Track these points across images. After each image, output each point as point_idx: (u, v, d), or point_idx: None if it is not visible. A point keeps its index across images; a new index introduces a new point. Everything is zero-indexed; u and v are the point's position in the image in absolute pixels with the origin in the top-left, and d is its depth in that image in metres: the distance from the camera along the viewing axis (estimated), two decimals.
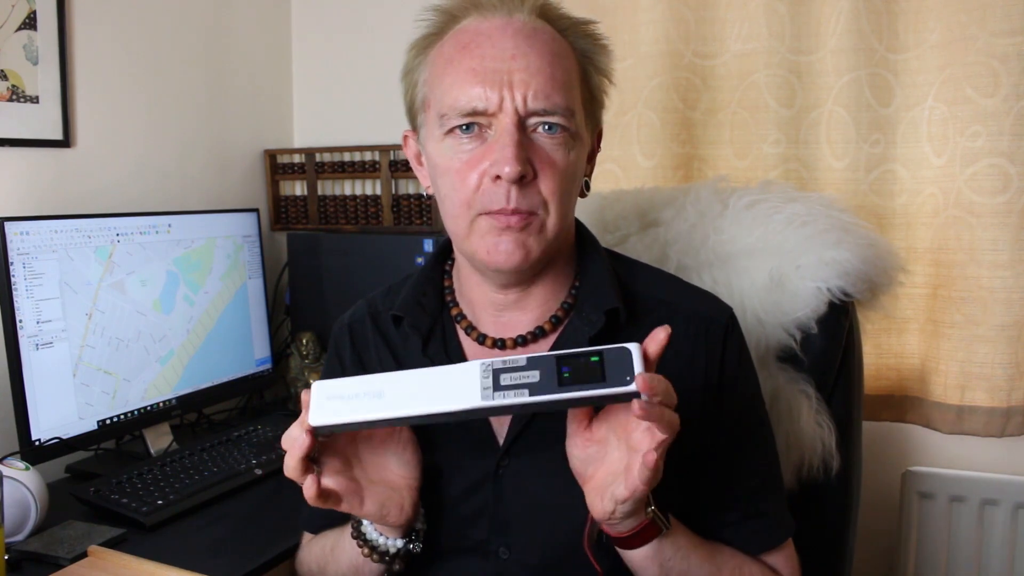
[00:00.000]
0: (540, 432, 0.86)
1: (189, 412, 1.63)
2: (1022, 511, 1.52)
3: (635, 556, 0.80)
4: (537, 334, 0.90)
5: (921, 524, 1.58)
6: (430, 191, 0.91)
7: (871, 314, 1.21)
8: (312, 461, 0.76)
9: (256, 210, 1.76)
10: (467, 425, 0.89)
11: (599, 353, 0.68)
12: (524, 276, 0.88)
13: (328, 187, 2.00)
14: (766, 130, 1.61)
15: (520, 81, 0.80)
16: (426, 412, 0.70)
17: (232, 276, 1.68)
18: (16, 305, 1.27)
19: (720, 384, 0.90)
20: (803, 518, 0.96)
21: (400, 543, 0.86)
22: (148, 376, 1.49)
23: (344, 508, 0.79)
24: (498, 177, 0.80)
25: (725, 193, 1.25)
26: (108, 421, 1.41)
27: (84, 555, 1.03)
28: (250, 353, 1.73)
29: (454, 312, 0.94)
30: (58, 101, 1.52)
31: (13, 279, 1.26)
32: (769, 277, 1.14)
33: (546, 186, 0.82)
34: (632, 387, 0.66)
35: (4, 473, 1.03)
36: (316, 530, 1.02)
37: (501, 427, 0.89)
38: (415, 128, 0.91)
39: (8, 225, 1.26)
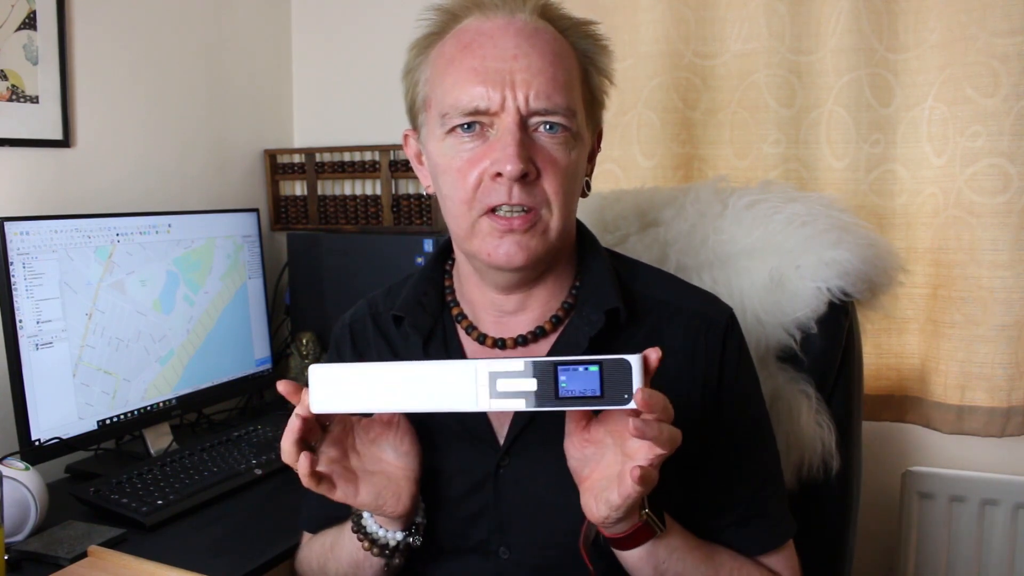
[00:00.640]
0: (541, 431, 0.86)
1: (189, 412, 1.63)
2: (1022, 511, 1.52)
3: (629, 557, 0.80)
4: (537, 334, 0.90)
5: (921, 524, 1.58)
6: (430, 191, 0.91)
7: (871, 314, 1.21)
8: (309, 448, 0.76)
9: (256, 210, 1.76)
10: (467, 424, 0.89)
11: (599, 363, 0.67)
12: (526, 277, 0.88)
13: (328, 187, 2.00)
14: (766, 130, 1.61)
15: (522, 81, 0.80)
16: (421, 409, 0.70)
17: (232, 276, 1.68)
18: (16, 305, 1.27)
19: (720, 384, 0.90)
20: (803, 518, 0.96)
21: (400, 536, 0.86)
22: (148, 376, 1.48)
23: (339, 496, 0.79)
24: (499, 175, 0.80)
25: (725, 193, 1.25)
26: (108, 421, 1.41)
27: (84, 555, 1.03)
28: (250, 353, 1.73)
29: (455, 312, 0.94)
30: (58, 101, 1.52)
31: (13, 279, 1.26)
32: (769, 277, 1.14)
33: (549, 185, 0.82)
34: (630, 405, 0.66)
35: (4, 473, 1.03)
36: (315, 530, 1.02)
37: (501, 426, 0.89)
38: (416, 127, 0.91)
39: (8, 225, 1.26)
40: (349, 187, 1.99)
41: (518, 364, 0.68)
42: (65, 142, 1.54)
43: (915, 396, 1.58)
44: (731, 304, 0.96)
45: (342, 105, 2.03)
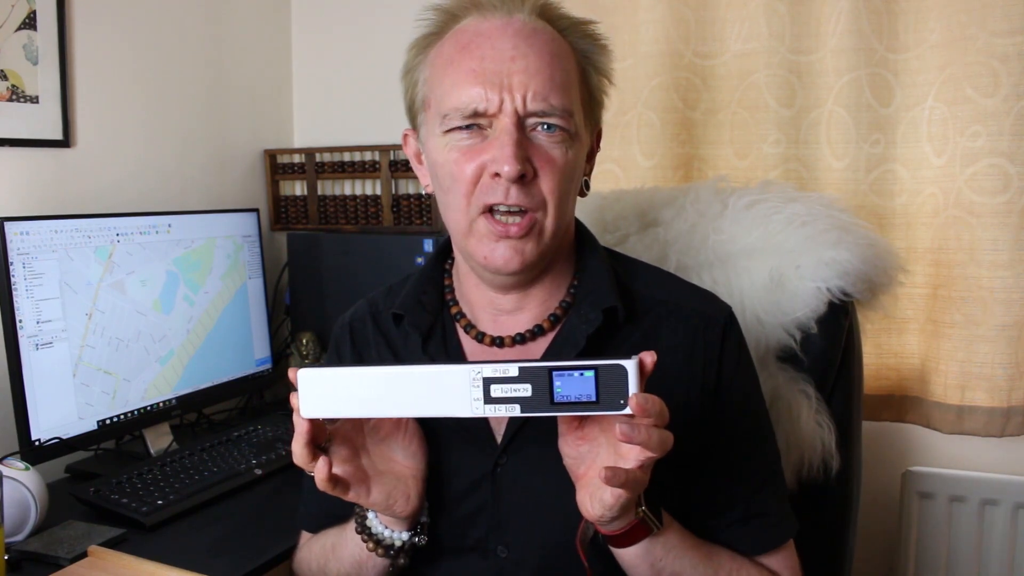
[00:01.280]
0: (538, 430, 0.86)
1: (189, 412, 1.63)
2: (1022, 511, 1.52)
3: (625, 555, 0.80)
4: (536, 332, 0.90)
5: (921, 524, 1.58)
6: (429, 190, 0.92)
7: (871, 314, 1.21)
8: (321, 449, 0.76)
9: (256, 210, 1.76)
10: (464, 423, 0.89)
11: (594, 368, 0.66)
12: (523, 279, 0.88)
13: (328, 187, 2.00)
14: (766, 130, 1.61)
15: (519, 83, 0.80)
16: (413, 414, 0.70)
17: (232, 276, 1.68)
18: (16, 305, 1.27)
19: (718, 382, 0.90)
20: (803, 518, 0.96)
21: (405, 536, 0.86)
22: (148, 376, 1.48)
23: (351, 497, 0.79)
24: (497, 175, 0.80)
25: (725, 193, 1.25)
26: (108, 421, 1.41)
27: (84, 555, 1.03)
28: (250, 353, 1.73)
29: (453, 311, 0.95)
30: (58, 101, 1.52)
31: (13, 279, 1.26)
32: (769, 277, 1.14)
33: (546, 184, 0.82)
34: (626, 410, 0.66)
35: (4, 473, 1.03)
36: (314, 529, 1.02)
37: (499, 425, 0.89)
38: (415, 127, 0.92)
39: (8, 225, 1.26)
40: (349, 187, 1.99)
41: (512, 369, 0.67)
42: (65, 142, 1.54)
43: (915, 396, 1.58)
44: (731, 304, 0.96)
45: (342, 105, 2.03)
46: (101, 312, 1.39)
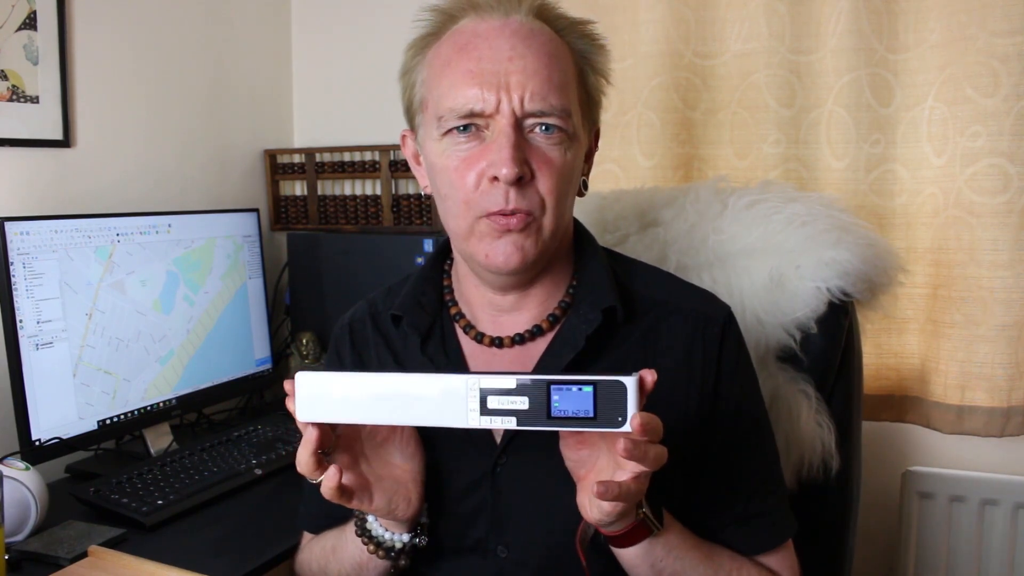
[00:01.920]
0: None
1: (189, 412, 1.63)
2: (1022, 511, 1.52)
3: (625, 555, 0.80)
4: (535, 332, 0.90)
5: (921, 524, 1.58)
6: (428, 191, 0.92)
7: (871, 314, 1.21)
8: (324, 455, 0.75)
9: (256, 210, 1.76)
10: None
11: (593, 384, 0.65)
12: (522, 279, 0.88)
13: (328, 187, 2.00)
14: (766, 130, 1.61)
15: (517, 83, 0.80)
16: (409, 423, 0.69)
17: (232, 276, 1.68)
18: (16, 305, 1.27)
19: (718, 382, 0.90)
20: (803, 518, 0.96)
21: (406, 538, 0.86)
22: (148, 376, 1.49)
23: (355, 505, 0.79)
24: (495, 178, 0.80)
25: (725, 193, 1.25)
26: (108, 421, 1.41)
27: (84, 555, 1.03)
28: (250, 353, 1.73)
29: (453, 311, 0.95)
30: (58, 101, 1.52)
31: (13, 279, 1.26)
32: (769, 277, 1.14)
33: (544, 185, 0.82)
34: (624, 428, 0.65)
35: (4, 473, 1.03)
36: (315, 530, 1.02)
37: None
38: (413, 128, 0.91)
39: (8, 225, 1.26)
40: (349, 187, 1.99)
41: (510, 381, 0.67)
42: (65, 142, 1.54)
43: (915, 396, 1.58)
44: (731, 304, 0.96)
45: (342, 105, 2.03)
46: (101, 312, 1.40)
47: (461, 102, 0.81)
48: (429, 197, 1.82)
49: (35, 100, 1.48)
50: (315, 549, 1.00)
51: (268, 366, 1.77)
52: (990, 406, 1.48)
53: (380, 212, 1.91)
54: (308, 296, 1.90)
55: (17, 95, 1.45)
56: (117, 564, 0.99)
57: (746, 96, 1.62)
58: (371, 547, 0.86)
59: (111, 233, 1.42)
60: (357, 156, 1.94)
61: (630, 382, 0.65)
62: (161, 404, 1.51)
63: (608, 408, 0.65)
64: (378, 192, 1.92)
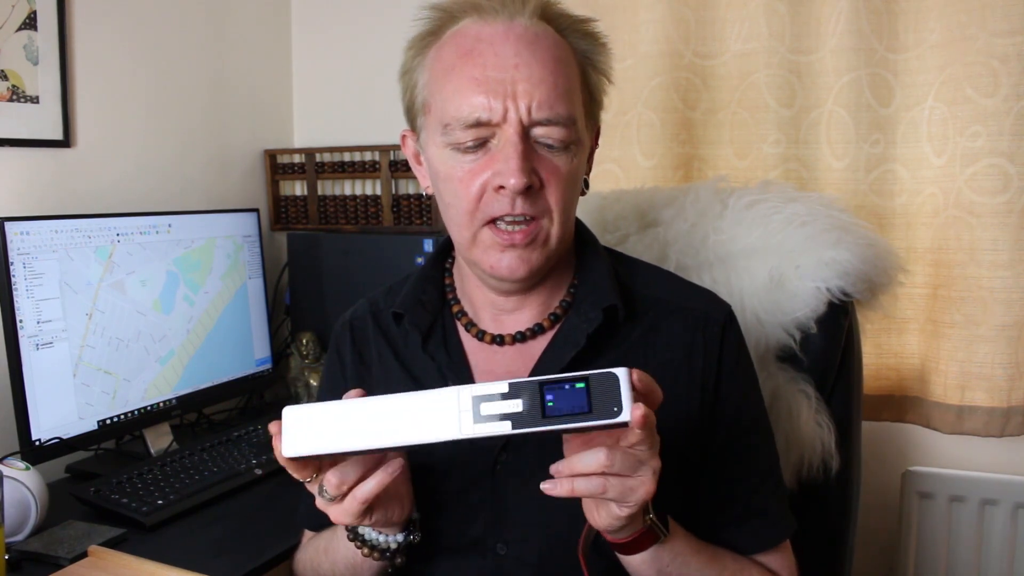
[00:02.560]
0: None
1: (189, 412, 1.63)
2: (1022, 511, 1.52)
3: (632, 561, 0.80)
4: (536, 331, 0.91)
5: (921, 524, 1.58)
6: (429, 191, 0.91)
7: (871, 314, 1.21)
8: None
9: (256, 210, 1.76)
10: None
11: (585, 379, 0.65)
12: (526, 285, 0.89)
13: (328, 187, 2.00)
14: (766, 130, 1.61)
15: (524, 91, 0.79)
16: (403, 444, 0.67)
17: (232, 276, 1.68)
18: (16, 305, 1.27)
19: (718, 381, 0.90)
20: (803, 518, 0.96)
21: (400, 537, 0.85)
22: (148, 376, 1.49)
23: (355, 522, 0.78)
24: (502, 187, 0.80)
25: (725, 193, 1.25)
26: (108, 421, 1.41)
27: (84, 555, 1.03)
28: (250, 353, 1.73)
29: (455, 309, 0.95)
30: (58, 101, 1.52)
31: (13, 279, 1.26)
32: (769, 277, 1.14)
33: (552, 195, 0.82)
34: (621, 418, 0.64)
35: (4, 473, 1.03)
36: (315, 527, 1.01)
37: None
38: (414, 129, 0.91)
39: (8, 225, 1.26)
40: (349, 187, 1.99)
41: (502, 386, 0.66)
42: (65, 142, 1.54)
43: (915, 396, 1.58)
44: (731, 304, 0.96)
45: (342, 105, 2.03)
46: (101, 312, 1.39)
47: (467, 110, 0.80)
48: (430, 197, 1.83)
49: (35, 100, 1.48)
50: (308, 550, 1.00)
51: (268, 366, 1.77)
52: (990, 406, 1.48)
53: (380, 212, 1.91)
54: (308, 296, 1.90)
55: (17, 95, 1.45)
56: (117, 564, 0.99)
57: (746, 96, 1.62)
58: (365, 550, 0.85)
59: (111, 233, 1.42)
60: (357, 156, 1.94)
61: (622, 372, 0.65)
62: (161, 404, 1.51)
63: (603, 400, 0.65)
64: (378, 192, 1.92)
